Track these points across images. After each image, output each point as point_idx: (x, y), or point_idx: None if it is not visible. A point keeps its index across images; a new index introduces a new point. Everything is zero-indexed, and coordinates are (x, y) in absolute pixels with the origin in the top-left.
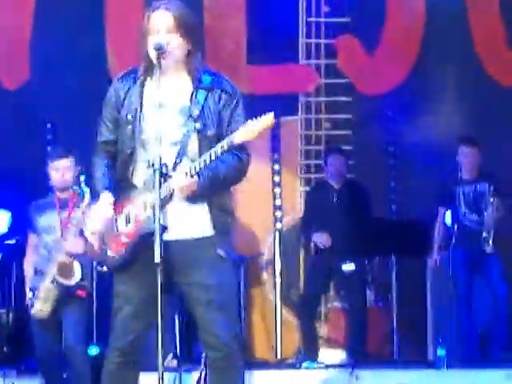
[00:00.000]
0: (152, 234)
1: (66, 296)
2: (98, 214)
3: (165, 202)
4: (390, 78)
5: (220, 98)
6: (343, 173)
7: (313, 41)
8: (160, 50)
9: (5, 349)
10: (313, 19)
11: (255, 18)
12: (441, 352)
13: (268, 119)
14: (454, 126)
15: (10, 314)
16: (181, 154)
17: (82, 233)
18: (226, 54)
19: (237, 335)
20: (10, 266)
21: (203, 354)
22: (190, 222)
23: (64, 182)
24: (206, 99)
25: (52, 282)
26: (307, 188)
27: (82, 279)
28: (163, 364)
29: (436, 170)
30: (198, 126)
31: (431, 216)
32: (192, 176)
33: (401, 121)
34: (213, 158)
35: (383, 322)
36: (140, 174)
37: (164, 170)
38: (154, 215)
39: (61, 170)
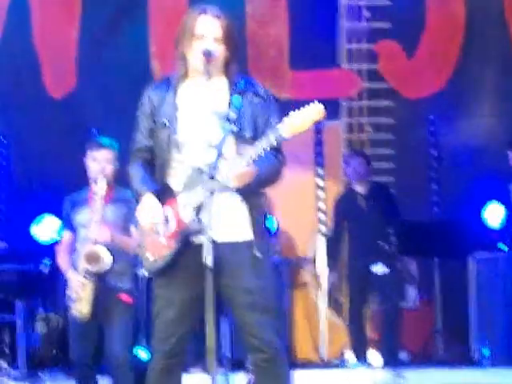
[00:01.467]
0: (194, 235)
1: (110, 301)
2: (147, 213)
3: (209, 203)
4: (430, 81)
5: (253, 101)
6: (362, 174)
7: (354, 46)
8: (209, 56)
9: (54, 351)
10: (354, 24)
11: (297, 24)
12: (485, 351)
13: (316, 108)
14: (494, 128)
15: (60, 318)
16: (219, 156)
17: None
18: (269, 59)
19: (280, 336)
20: (60, 270)
21: (248, 362)
22: (231, 225)
23: (104, 175)
24: (241, 102)
25: (85, 276)
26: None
27: (125, 284)
28: (214, 366)
29: (476, 173)
30: (234, 128)
31: (473, 218)
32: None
33: (442, 124)
34: (258, 155)
35: (427, 322)
36: (176, 176)
37: (212, 172)
38: (197, 216)
39: (100, 161)
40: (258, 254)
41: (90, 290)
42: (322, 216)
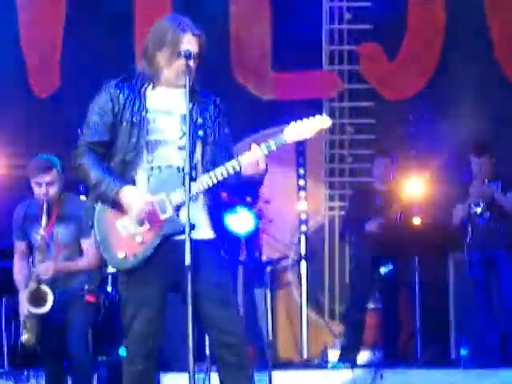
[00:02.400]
0: (173, 234)
1: (71, 300)
2: (140, 202)
3: (191, 203)
4: (411, 83)
5: (215, 110)
6: (388, 176)
7: (336, 47)
8: (189, 58)
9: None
10: (336, 26)
11: (279, 26)
12: (464, 351)
13: (324, 119)
14: (474, 129)
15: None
16: (191, 159)
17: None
18: (252, 60)
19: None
20: None
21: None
22: (199, 224)
23: (49, 198)
24: (204, 110)
25: (27, 313)
26: (330, 191)
27: (88, 284)
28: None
29: (457, 174)
30: (201, 133)
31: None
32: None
33: (422, 125)
34: (265, 152)
35: (407, 323)
36: (142, 175)
37: (193, 174)
38: (177, 216)
39: (43, 186)
40: (222, 253)
41: (36, 324)
42: (303, 216)
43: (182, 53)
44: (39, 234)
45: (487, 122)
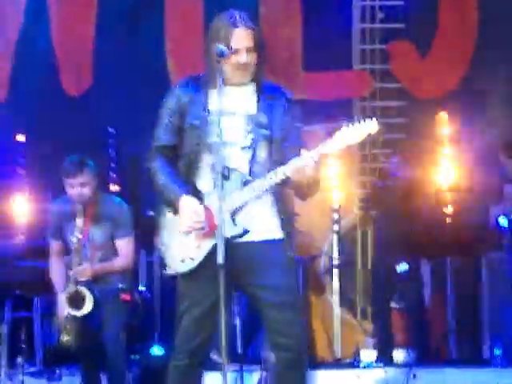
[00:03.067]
0: (228, 238)
1: (108, 300)
2: (190, 216)
3: (243, 205)
4: (443, 82)
5: (284, 106)
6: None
7: (367, 46)
8: (221, 56)
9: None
10: (367, 25)
11: (310, 26)
12: (497, 351)
13: (372, 125)
14: (508, 129)
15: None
16: (253, 161)
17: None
18: (283, 61)
19: (306, 336)
20: None
21: (264, 357)
22: (261, 225)
23: (83, 200)
24: (271, 108)
25: (67, 315)
26: (363, 191)
27: (122, 283)
28: (225, 364)
29: (490, 172)
30: (265, 132)
31: (483, 217)
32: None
33: (454, 124)
34: (313, 160)
35: (440, 322)
36: (204, 178)
37: (234, 178)
38: (232, 220)
39: (77, 187)
40: (290, 253)
41: (74, 324)
42: (335, 215)
43: (216, 51)
44: (76, 236)
45: None
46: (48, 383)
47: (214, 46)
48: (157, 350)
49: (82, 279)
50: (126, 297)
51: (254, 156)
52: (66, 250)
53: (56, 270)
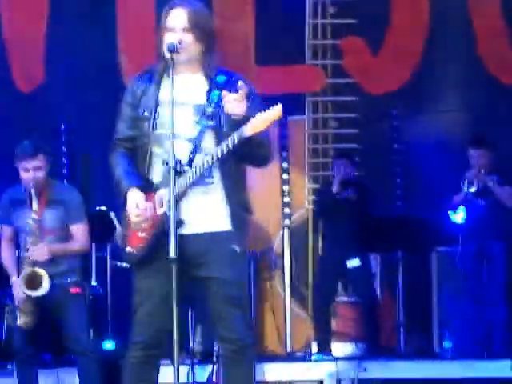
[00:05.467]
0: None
1: (61, 297)
2: (135, 209)
3: (180, 196)
4: (394, 77)
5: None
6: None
7: (319, 42)
8: (173, 50)
9: None
10: (319, 21)
11: (263, 20)
12: (447, 344)
13: (276, 110)
14: (457, 123)
15: None
16: (195, 150)
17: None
18: (235, 55)
19: (251, 330)
20: None
21: (216, 348)
22: (208, 216)
23: (37, 183)
24: (219, 98)
25: (24, 294)
26: (314, 185)
27: (72, 278)
28: (178, 358)
29: (439, 167)
30: (211, 123)
31: (436, 212)
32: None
33: (405, 119)
34: (224, 152)
35: (390, 316)
36: (155, 170)
37: (178, 168)
38: (175, 209)
39: (30, 171)
40: (235, 247)
41: (32, 306)
42: (286, 210)
43: (166, 46)
44: (31, 217)
45: (470, 117)
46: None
47: (157, 34)
48: (109, 345)
49: (39, 259)
50: (76, 290)
51: (196, 147)
52: (16, 237)
53: (9, 255)
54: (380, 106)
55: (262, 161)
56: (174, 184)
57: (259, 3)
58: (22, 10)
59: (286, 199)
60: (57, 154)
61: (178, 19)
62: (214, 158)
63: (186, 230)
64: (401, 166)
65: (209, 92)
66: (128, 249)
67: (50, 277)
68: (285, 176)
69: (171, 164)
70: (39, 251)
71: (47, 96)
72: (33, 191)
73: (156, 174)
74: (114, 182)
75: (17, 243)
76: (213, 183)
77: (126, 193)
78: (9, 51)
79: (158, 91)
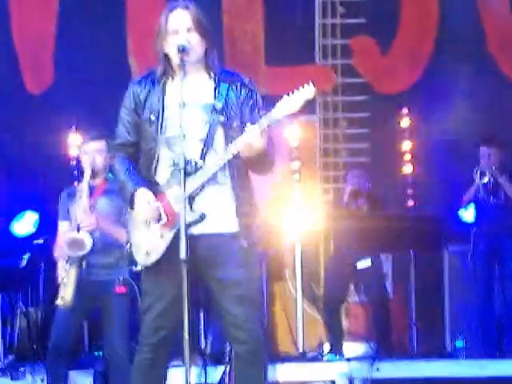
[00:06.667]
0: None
1: (104, 294)
2: (145, 208)
3: (193, 196)
4: (404, 76)
5: (240, 91)
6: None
7: (329, 41)
8: (183, 51)
9: (34, 346)
10: (329, 20)
11: (273, 20)
12: (459, 343)
13: (308, 90)
14: (467, 122)
15: (39, 312)
16: (207, 148)
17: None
18: (245, 55)
19: (264, 330)
20: (39, 265)
21: (228, 349)
22: (218, 217)
23: (94, 166)
24: (227, 93)
25: (67, 261)
26: (325, 185)
27: (119, 275)
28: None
29: (450, 166)
30: (221, 119)
31: (447, 211)
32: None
33: (416, 118)
34: (258, 133)
35: (402, 315)
36: (163, 172)
37: (189, 169)
38: (189, 205)
39: (90, 153)
40: (245, 245)
41: (73, 276)
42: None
43: (176, 47)
44: (80, 190)
45: (480, 115)
46: (12, 381)
47: (158, 37)
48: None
49: (85, 225)
50: (121, 289)
51: (208, 145)
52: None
53: (61, 244)
54: (391, 105)
55: (263, 170)
56: (185, 184)
57: (269, 3)
58: (31, 12)
59: (298, 199)
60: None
61: (181, 20)
62: (239, 148)
63: (194, 231)
64: (412, 165)
65: (217, 88)
66: (141, 250)
67: (99, 267)
68: (296, 176)
69: (182, 165)
70: (87, 217)
71: (56, 97)
72: (85, 172)
73: (162, 177)
74: (119, 187)
75: None
76: (223, 184)
77: (132, 194)
78: (18, 53)
79: (164, 94)
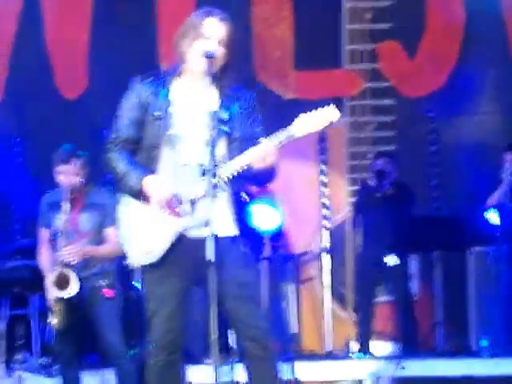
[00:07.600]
0: (187, 229)
1: (94, 299)
2: (161, 188)
3: (202, 196)
4: (431, 80)
5: (248, 106)
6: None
7: (356, 46)
8: (211, 57)
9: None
10: (356, 26)
11: (302, 26)
12: (484, 342)
13: (332, 114)
14: (493, 125)
15: None
16: (213, 155)
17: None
18: (275, 60)
19: (271, 327)
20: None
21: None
22: (218, 220)
23: (71, 185)
24: (233, 105)
25: (54, 297)
26: (354, 188)
27: (106, 281)
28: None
29: (476, 168)
30: (226, 129)
31: (472, 212)
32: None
33: (442, 121)
34: (273, 144)
35: (428, 315)
36: (164, 171)
37: (199, 172)
38: (192, 211)
39: (67, 175)
40: (246, 250)
41: (61, 305)
42: (326, 212)
43: (203, 53)
44: (61, 219)
45: (505, 119)
46: (45, 379)
47: (182, 37)
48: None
49: (70, 259)
50: (108, 293)
51: (213, 151)
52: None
53: (45, 256)
54: (417, 109)
55: (262, 183)
56: (205, 185)
57: (297, 8)
58: (65, 17)
59: (325, 201)
60: (99, 159)
61: (216, 29)
62: (251, 160)
63: (200, 233)
64: (438, 168)
65: (223, 99)
66: (140, 249)
67: (83, 279)
68: (324, 178)
69: (209, 167)
70: (69, 251)
71: (89, 102)
72: (66, 195)
73: (165, 174)
74: (118, 178)
75: (55, 246)
76: (223, 189)
77: (139, 183)
78: (52, 58)
79: (169, 93)
